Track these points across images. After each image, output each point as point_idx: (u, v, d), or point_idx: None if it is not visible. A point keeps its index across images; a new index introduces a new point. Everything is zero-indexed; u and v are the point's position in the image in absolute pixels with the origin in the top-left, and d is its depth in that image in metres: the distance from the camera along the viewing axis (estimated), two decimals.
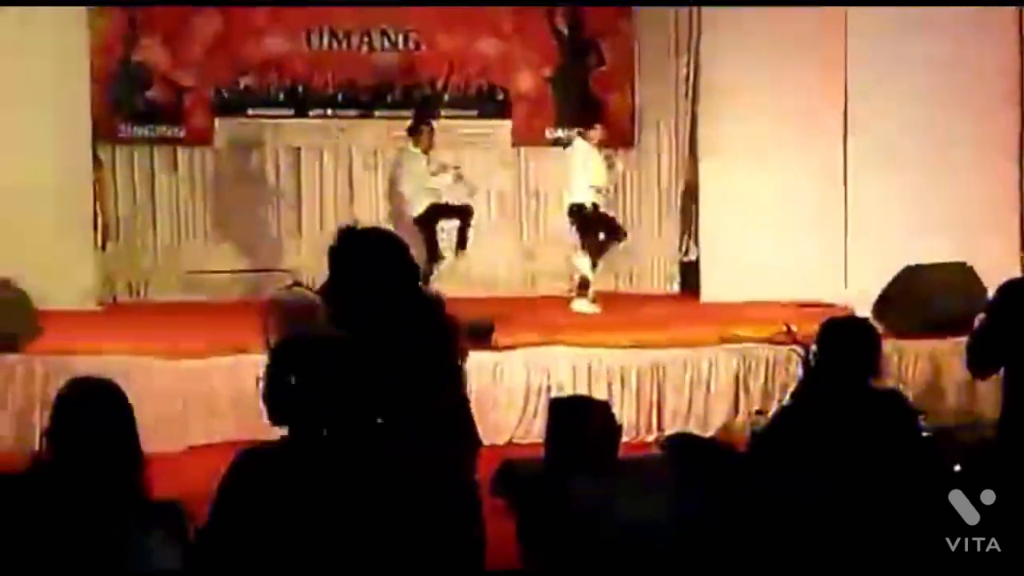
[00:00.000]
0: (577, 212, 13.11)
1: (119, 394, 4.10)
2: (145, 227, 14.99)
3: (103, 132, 14.40)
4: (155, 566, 3.87)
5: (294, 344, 4.03)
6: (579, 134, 13.52)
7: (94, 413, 4.01)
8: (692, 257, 15.01)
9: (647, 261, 15.35)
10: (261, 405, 3.92)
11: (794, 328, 8.17)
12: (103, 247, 14.24)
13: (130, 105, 14.84)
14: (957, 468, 6.64)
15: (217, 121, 15.03)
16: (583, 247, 13.24)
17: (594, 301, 13.23)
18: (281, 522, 3.83)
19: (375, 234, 5.20)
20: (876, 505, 5.03)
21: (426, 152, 13.30)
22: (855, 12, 13.15)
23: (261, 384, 3.92)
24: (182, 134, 14.98)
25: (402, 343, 4.83)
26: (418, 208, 13.07)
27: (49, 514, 3.88)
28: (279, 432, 3.95)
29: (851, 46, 13.36)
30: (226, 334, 10.88)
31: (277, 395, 3.91)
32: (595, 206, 13.13)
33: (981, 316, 5.03)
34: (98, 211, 14.05)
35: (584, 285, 13.30)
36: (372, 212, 15.15)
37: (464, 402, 5.42)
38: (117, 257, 14.78)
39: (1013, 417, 4.82)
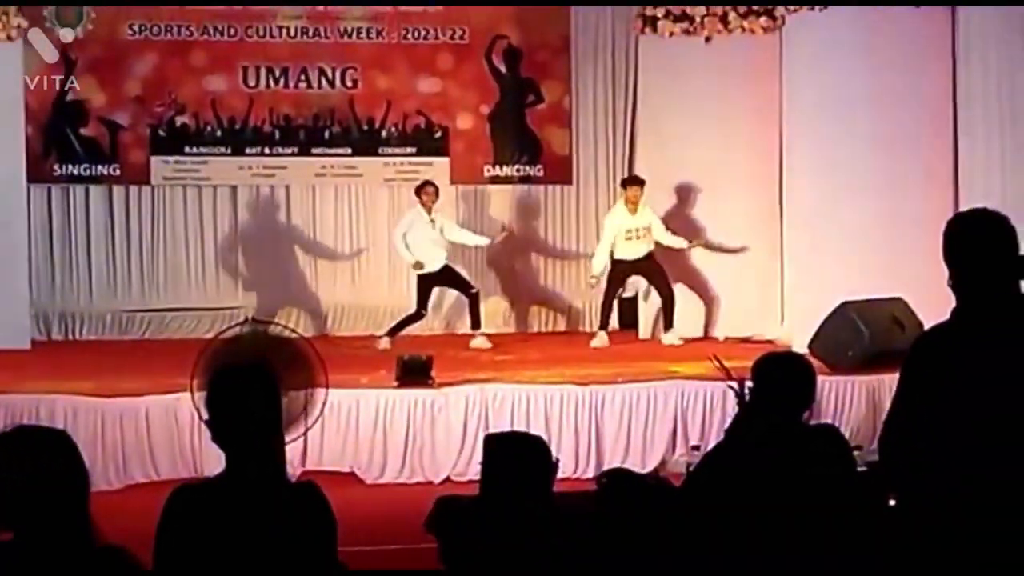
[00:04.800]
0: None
1: (70, 444, 3.84)
2: (81, 266, 14.87)
3: (38, 171, 14.33)
4: None
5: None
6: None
7: (46, 465, 3.74)
8: (630, 294, 14.97)
9: (585, 298, 15.29)
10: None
11: (724, 361, 8.13)
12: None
13: (65, 144, 14.74)
14: (892, 503, 6.67)
15: (153, 159, 14.95)
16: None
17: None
18: (220, 555, 3.83)
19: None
20: (812, 539, 5.04)
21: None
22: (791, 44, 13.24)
23: (204, 412, 4.11)
24: (118, 172, 14.90)
25: None
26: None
27: None
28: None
29: (786, 79, 13.45)
30: (161, 373, 10.75)
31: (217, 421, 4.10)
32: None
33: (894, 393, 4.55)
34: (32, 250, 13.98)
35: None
36: (307, 249, 15.12)
37: None
38: (51, 296, 14.68)
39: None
